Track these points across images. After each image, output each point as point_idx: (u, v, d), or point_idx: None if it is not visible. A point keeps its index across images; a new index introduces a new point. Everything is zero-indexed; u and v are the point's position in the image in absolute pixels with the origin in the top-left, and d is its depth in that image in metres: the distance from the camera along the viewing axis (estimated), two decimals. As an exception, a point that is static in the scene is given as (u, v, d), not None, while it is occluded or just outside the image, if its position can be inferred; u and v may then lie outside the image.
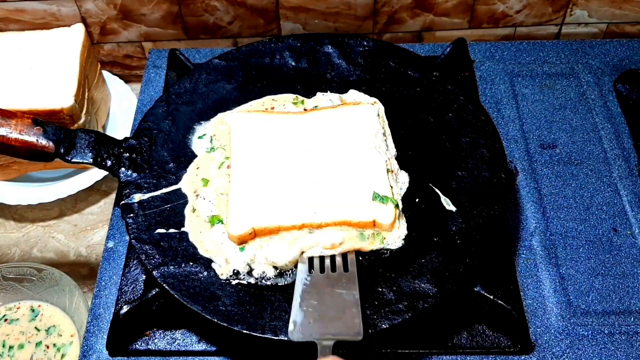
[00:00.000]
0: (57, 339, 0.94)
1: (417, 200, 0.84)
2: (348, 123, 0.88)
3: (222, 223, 0.81)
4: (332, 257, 0.77)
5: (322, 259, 0.77)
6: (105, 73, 1.19)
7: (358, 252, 0.79)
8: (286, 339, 0.71)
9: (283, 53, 1.00)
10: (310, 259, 0.77)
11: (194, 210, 0.83)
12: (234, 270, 0.78)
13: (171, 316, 0.82)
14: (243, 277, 0.78)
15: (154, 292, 0.78)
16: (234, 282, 0.77)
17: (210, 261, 0.79)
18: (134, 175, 0.85)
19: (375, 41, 1.00)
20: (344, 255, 0.77)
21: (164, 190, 0.85)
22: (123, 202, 0.83)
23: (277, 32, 1.21)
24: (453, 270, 0.76)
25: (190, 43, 1.22)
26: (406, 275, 0.76)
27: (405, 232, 0.80)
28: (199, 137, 0.91)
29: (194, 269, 0.78)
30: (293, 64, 1.00)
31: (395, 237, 0.80)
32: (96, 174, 1.07)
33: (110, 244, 0.90)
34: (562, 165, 0.97)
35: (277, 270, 0.78)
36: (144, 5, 1.15)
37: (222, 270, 0.78)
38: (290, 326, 0.69)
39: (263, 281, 0.77)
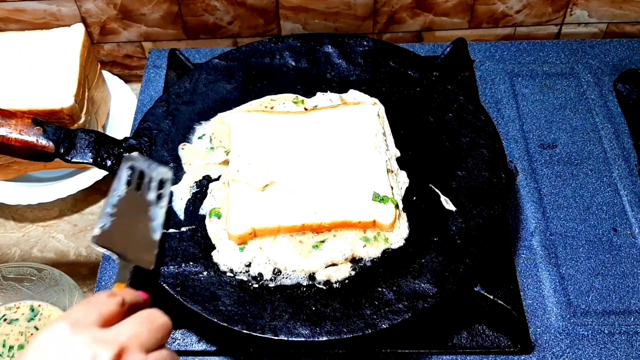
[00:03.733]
0: (57, 339, 0.94)
1: (417, 200, 0.84)
2: (348, 123, 0.88)
3: (219, 217, 0.82)
4: (150, 178, 0.77)
5: (141, 174, 0.77)
6: (105, 73, 1.19)
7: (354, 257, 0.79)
8: (286, 339, 0.71)
9: (283, 53, 1.00)
10: (132, 173, 0.77)
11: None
12: (230, 269, 0.78)
13: (171, 316, 0.81)
14: (238, 274, 0.78)
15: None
16: (229, 277, 0.77)
17: (210, 261, 0.79)
18: (134, 175, 0.85)
19: (375, 41, 1.00)
20: (161, 181, 0.78)
21: (164, 190, 0.85)
22: (123, 202, 0.83)
23: (277, 32, 1.21)
24: (453, 270, 0.76)
25: (190, 43, 1.22)
26: (406, 275, 0.77)
27: (407, 231, 0.80)
28: (199, 137, 0.91)
29: (194, 269, 0.78)
30: (293, 63, 1.00)
31: (397, 237, 0.80)
32: (96, 174, 1.07)
33: (110, 244, 0.90)
34: (562, 165, 0.97)
35: (274, 272, 0.78)
36: (144, 5, 1.15)
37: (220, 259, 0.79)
38: (96, 231, 0.70)
39: (257, 281, 0.77)
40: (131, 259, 0.70)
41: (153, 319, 0.57)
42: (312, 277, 0.78)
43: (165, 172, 0.79)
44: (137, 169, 0.77)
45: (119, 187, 0.75)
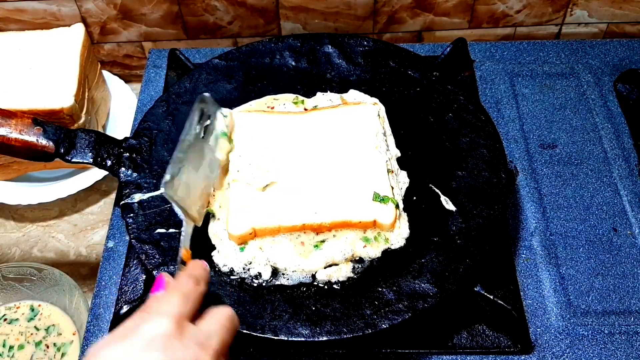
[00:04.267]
0: (57, 338, 0.94)
1: (417, 200, 0.84)
2: (349, 123, 0.88)
3: (214, 217, 0.82)
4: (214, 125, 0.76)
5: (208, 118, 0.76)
6: (105, 73, 1.19)
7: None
8: (286, 339, 0.71)
9: (283, 53, 1.00)
10: (202, 117, 0.76)
11: None
12: (230, 269, 0.78)
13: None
14: (238, 274, 0.78)
15: (154, 292, 0.78)
16: (229, 277, 0.77)
17: (210, 261, 0.79)
18: (134, 175, 0.85)
19: (375, 41, 1.00)
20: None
21: (164, 190, 0.85)
22: (123, 202, 0.83)
23: (277, 32, 1.21)
24: (453, 270, 0.76)
25: (190, 43, 1.22)
26: (406, 275, 0.76)
27: (408, 231, 0.80)
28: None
29: (194, 269, 0.78)
30: (293, 63, 1.00)
31: (397, 236, 0.80)
32: (96, 174, 1.07)
33: (110, 244, 0.90)
34: (562, 165, 0.97)
35: (274, 273, 0.78)
36: (144, 5, 1.15)
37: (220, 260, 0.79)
38: (167, 177, 0.68)
39: (257, 281, 0.77)
40: (189, 213, 0.67)
41: (234, 325, 0.60)
42: (312, 277, 0.78)
43: (225, 119, 0.76)
44: (206, 113, 0.74)
45: (190, 131, 0.72)
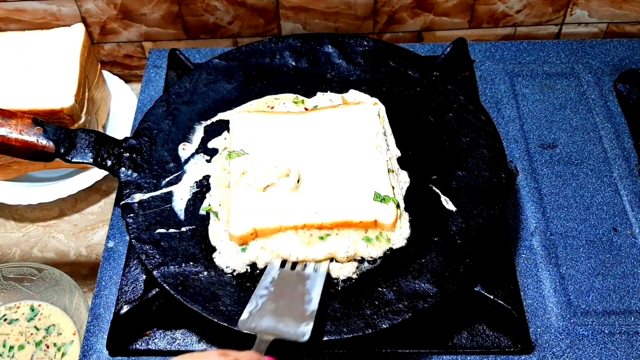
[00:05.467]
0: (57, 338, 0.94)
1: (417, 200, 0.84)
2: (349, 123, 0.88)
3: (217, 217, 0.82)
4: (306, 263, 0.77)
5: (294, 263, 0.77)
6: (105, 73, 1.19)
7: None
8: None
9: (283, 53, 1.00)
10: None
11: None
12: (232, 270, 0.78)
13: (171, 316, 0.82)
14: (240, 275, 0.78)
15: (154, 292, 0.78)
16: (229, 277, 0.77)
17: (210, 261, 0.79)
18: (134, 175, 0.85)
19: (375, 41, 1.00)
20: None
21: (164, 190, 0.85)
22: (123, 202, 0.83)
23: (277, 32, 1.21)
24: (453, 270, 0.76)
25: (190, 43, 1.22)
26: (406, 275, 0.76)
27: (409, 231, 0.80)
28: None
29: (194, 269, 0.78)
30: (293, 63, 1.00)
31: (398, 236, 0.80)
32: (96, 174, 1.07)
33: (111, 244, 0.90)
34: (562, 165, 0.97)
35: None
36: (144, 5, 1.15)
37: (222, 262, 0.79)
38: (244, 314, 0.69)
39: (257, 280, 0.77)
40: (280, 334, 0.67)
41: None
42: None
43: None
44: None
45: (272, 270, 0.74)
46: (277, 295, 0.71)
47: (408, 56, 0.98)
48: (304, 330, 0.67)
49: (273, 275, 0.74)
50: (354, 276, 0.78)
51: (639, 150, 0.97)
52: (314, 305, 0.70)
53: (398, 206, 0.80)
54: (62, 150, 0.82)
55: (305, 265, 0.76)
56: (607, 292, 0.84)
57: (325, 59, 1.00)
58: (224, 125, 0.93)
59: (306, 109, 0.94)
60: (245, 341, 0.75)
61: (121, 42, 1.22)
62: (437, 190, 0.84)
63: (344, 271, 0.77)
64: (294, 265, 0.76)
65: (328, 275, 0.76)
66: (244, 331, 0.68)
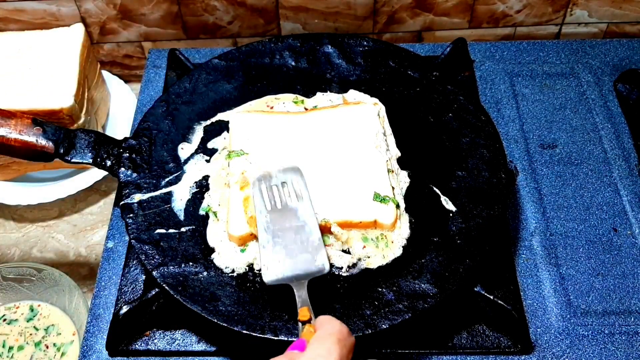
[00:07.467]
0: (57, 338, 0.94)
1: (417, 200, 0.84)
2: (349, 123, 0.88)
3: (216, 217, 0.81)
4: (282, 184, 0.77)
5: (270, 189, 0.76)
6: (105, 73, 1.19)
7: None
8: (286, 339, 0.71)
9: (283, 53, 1.00)
10: (261, 192, 0.76)
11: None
12: (232, 270, 0.78)
13: (171, 316, 0.81)
14: (239, 275, 0.78)
15: (153, 292, 0.78)
16: (229, 277, 0.77)
17: (210, 261, 0.79)
18: (134, 175, 0.85)
19: (375, 41, 1.00)
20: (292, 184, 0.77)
21: (164, 190, 0.85)
22: (123, 202, 0.83)
23: (277, 32, 1.21)
24: (453, 270, 0.76)
25: (190, 43, 1.22)
26: (406, 275, 0.76)
27: (408, 232, 0.80)
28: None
29: (194, 269, 0.78)
30: (293, 63, 1.00)
31: (398, 236, 0.80)
32: (96, 174, 1.07)
33: (110, 244, 0.90)
34: (562, 165, 0.96)
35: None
36: (144, 5, 1.15)
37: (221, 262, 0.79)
38: (263, 269, 0.70)
39: (256, 280, 0.77)
40: (305, 275, 0.69)
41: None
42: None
43: (292, 169, 0.77)
44: (266, 187, 0.76)
45: (261, 216, 0.74)
46: (280, 239, 0.72)
47: (408, 56, 0.98)
48: (322, 261, 0.70)
49: (267, 224, 0.73)
50: (354, 272, 0.77)
51: (639, 150, 0.97)
52: (315, 233, 0.72)
53: (398, 206, 0.80)
54: (62, 151, 0.82)
55: (283, 184, 0.76)
56: (607, 292, 0.84)
57: (325, 59, 1.00)
58: (223, 125, 0.93)
59: (306, 109, 0.93)
60: (248, 342, 0.75)
61: (121, 42, 1.22)
62: (437, 191, 0.84)
63: (343, 260, 0.77)
64: (273, 199, 0.75)
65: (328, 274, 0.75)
66: (276, 284, 0.69)
